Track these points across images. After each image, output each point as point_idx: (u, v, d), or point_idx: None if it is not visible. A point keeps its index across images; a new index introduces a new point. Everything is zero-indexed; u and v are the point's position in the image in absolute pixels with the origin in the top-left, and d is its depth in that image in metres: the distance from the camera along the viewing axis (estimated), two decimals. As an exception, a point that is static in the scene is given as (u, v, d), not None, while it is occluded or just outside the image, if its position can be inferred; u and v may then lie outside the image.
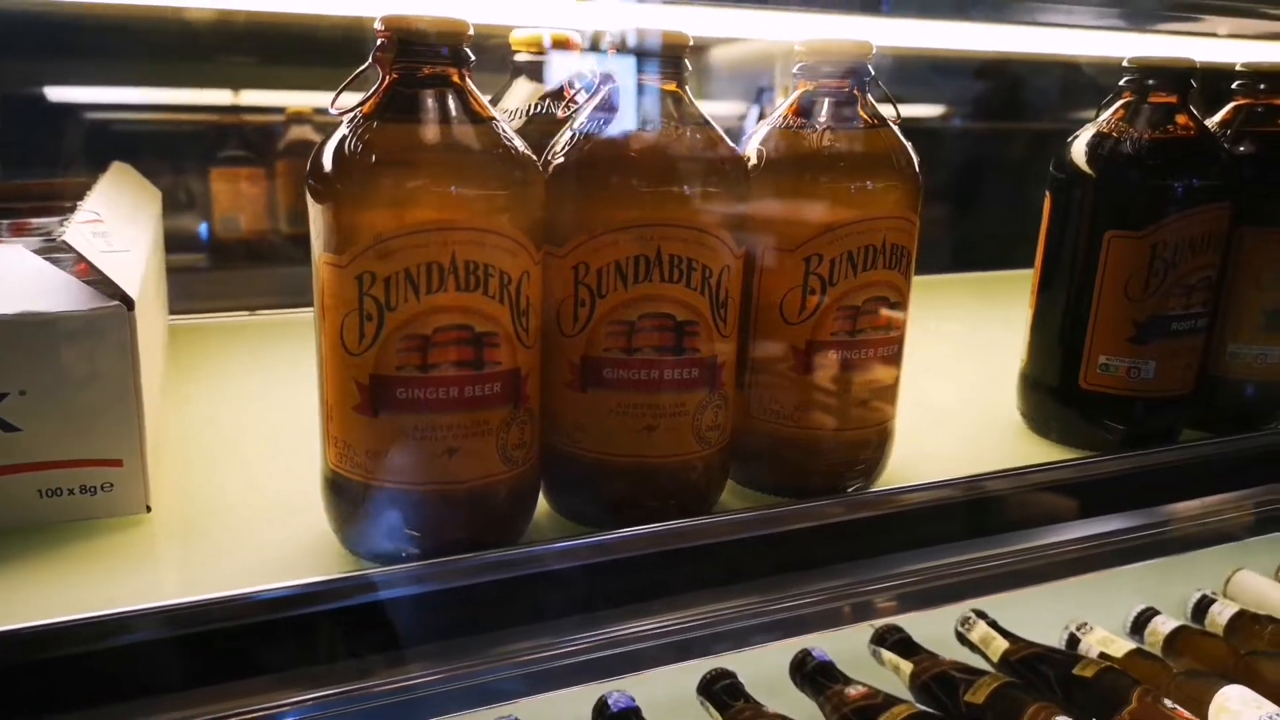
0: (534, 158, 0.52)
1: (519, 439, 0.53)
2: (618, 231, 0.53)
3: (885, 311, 0.60)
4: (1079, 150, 0.72)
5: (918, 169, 0.61)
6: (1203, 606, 1.25)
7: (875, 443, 0.65)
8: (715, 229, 0.54)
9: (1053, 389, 0.75)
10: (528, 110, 0.64)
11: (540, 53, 0.65)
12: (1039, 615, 1.02)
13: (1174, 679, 0.95)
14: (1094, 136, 0.71)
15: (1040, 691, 0.85)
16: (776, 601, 0.61)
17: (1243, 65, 0.77)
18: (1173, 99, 0.70)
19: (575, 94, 0.60)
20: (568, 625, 0.56)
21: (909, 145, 0.61)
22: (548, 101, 0.64)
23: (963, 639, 1.05)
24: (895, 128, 0.62)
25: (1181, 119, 0.70)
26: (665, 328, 0.54)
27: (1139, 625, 1.22)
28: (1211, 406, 0.78)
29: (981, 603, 1.03)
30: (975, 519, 0.68)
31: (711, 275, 0.54)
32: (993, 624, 1.07)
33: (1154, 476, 0.73)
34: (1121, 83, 0.72)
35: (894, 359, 0.63)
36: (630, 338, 0.54)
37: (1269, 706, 0.84)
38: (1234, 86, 0.77)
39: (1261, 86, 0.76)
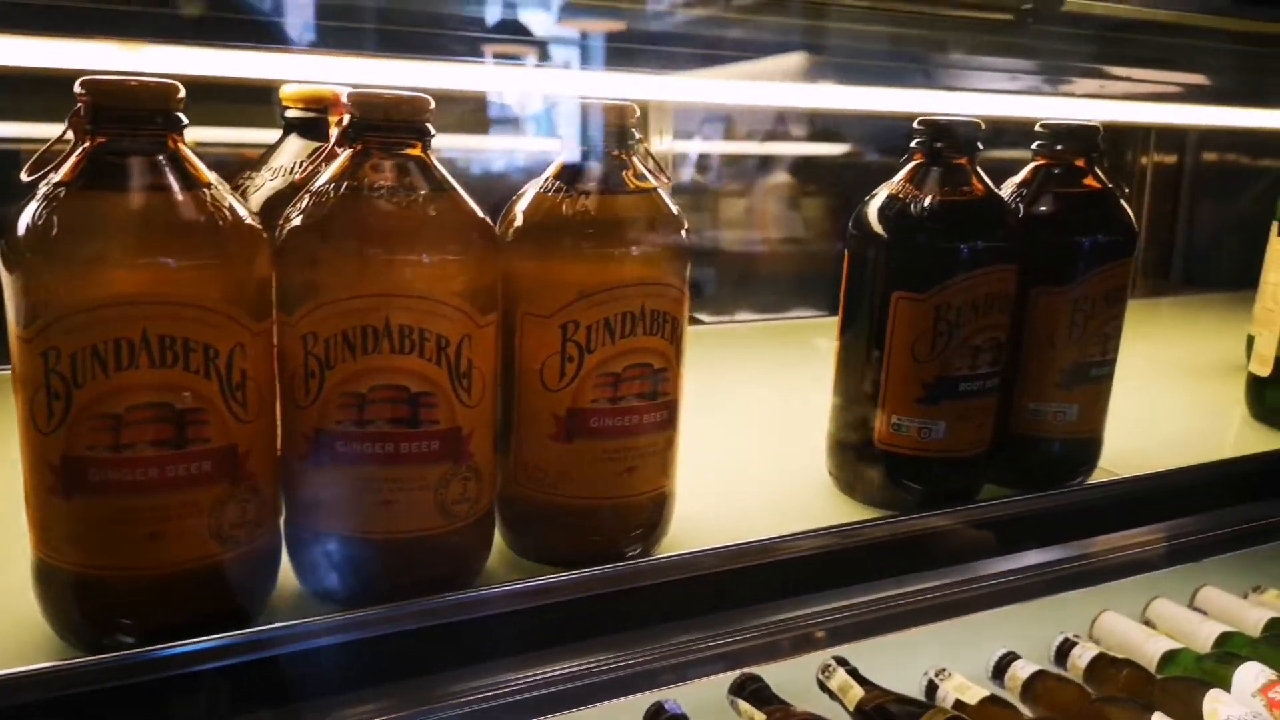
0: (255, 225, 0.51)
1: (238, 517, 0.51)
2: (345, 301, 0.51)
3: (649, 378, 0.59)
4: (871, 211, 0.72)
5: (683, 234, 0.60)
6: (1065, 650, 1.26)
7: (650, 509, 0.63)
8: (451, 297, 0.52)
9: (853, 448, 0.75)
10: (293, 168, 0.62)
11: (309, 109, 0.64)
12: (917, 660, 1.03)
13: (1022, 728, 0.95)
14: (886, 197, 0.72)
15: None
16: (537, 674, 0.59)
17: (1041, 126, 0.78)
18: (961, 160, 0.71)
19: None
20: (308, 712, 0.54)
21: (676, 210, 0.61)
22: (316, 160, 0.62)
23: (823, 687, 1.04)
24: (663, 193, 0.61)
25: (968, 181, 0.71)
26: (398, 399, 0.52)
27: (1000, 670, 1.22)
28: (1017, 464, 0.78)
29: (849, 649, 1.03)
30: (763, 580, 0.67)
31: (449, 345, 0.53)
32: (852, 671, 1.06)
33: (950, 535, 0.73)
34: (912, 144, 0.72)
35: (664, 424, 0.61)
36: (362, 410, 0.52)
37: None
38: (1033, 147, 0.78)
39: (1059, 147, 0.77)
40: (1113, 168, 1.96)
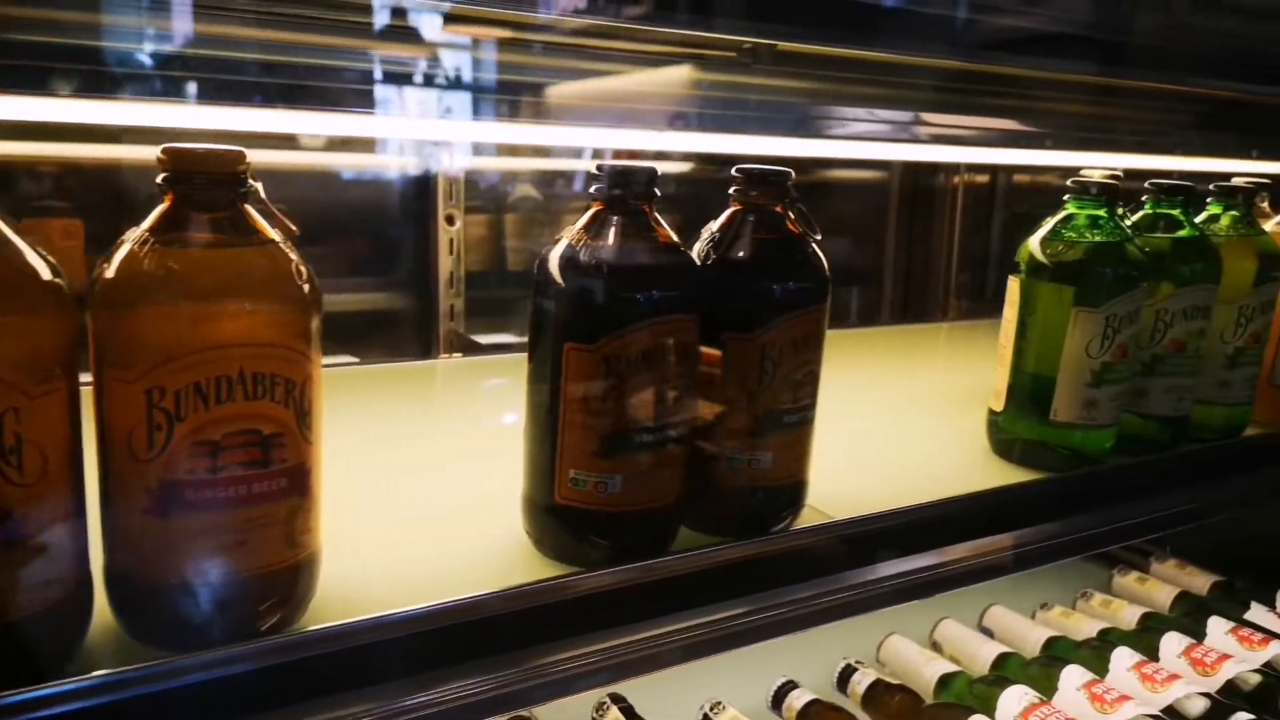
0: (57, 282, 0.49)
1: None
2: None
3: (258, 445, 0.55)
4: (550, 258, 0.69)
5: (300, 289, 0.57)
6: (845, 676, 1.27)
7: (284, 582, 0.59)
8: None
9: (539, 504, 0.72)
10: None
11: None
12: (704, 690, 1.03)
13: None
14: (565, 245, 0.69)
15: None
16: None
17: (736, 170, 0.77)
18: (640, 207, 0.69)
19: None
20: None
21: (293, 263, 0.57)
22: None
23: (598, 728, 1.03)
24: (283, 246, 0.57)
25: (646, 227, 0.69)
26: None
27: (778, 700, 1.22)
28: (715, 512, 0.77)
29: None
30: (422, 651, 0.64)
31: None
32: (626, 709, 1.04)
33: (639, 590, 0.71)
34: (590, 190, 0.70)
35: (285, 492, 0.57)
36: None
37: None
38: (730, 191, 0.77)
39: (753, 192, 0.76)
40: (924, 188, 2.01)
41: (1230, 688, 1.24)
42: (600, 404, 0.67)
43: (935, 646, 1.37)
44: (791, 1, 0.80)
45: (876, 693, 1.23)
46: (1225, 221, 1.11)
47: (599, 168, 0.69)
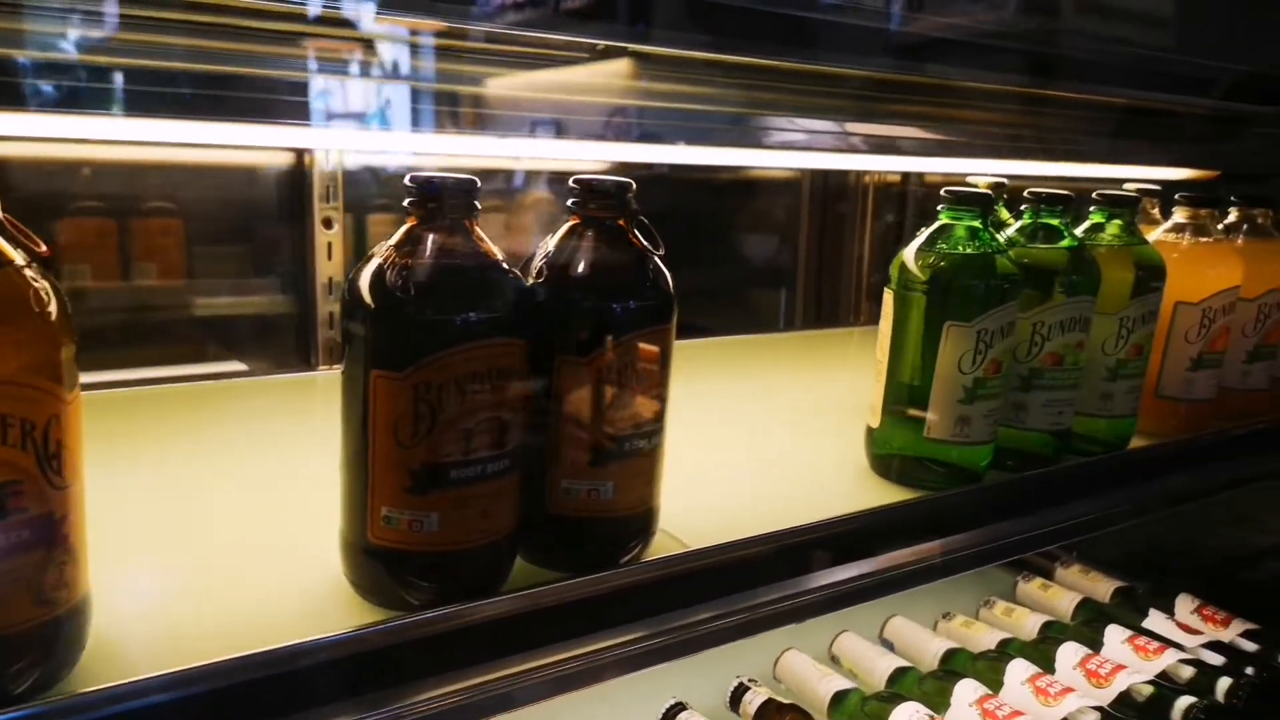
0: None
1: None
2: None
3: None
4: (359, 278, 0.64)
5: (45, 318, 0.50)
6: (738, 695, 1.23)
7: (35, 643, 0.53)
8: None
9: (354, 544, 0.67)
10: None
11: None
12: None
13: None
14: (375, 264, 0.64)
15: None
16: None
17: (573, 181, 0.72)
18: (459, 222, 0.64)
19: None
20: None
21: (39, 289, 0.51)
22: None
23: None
24: (23, 269, 0.51)
25: (465, 244, 0.64)
26: None
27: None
28: (556, 546, 0.72)
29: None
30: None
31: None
32: None
33: (455, 638, 0.65)
34: (404, 203, 0.65)
35: (28, 545, 0.51)
36: None
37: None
38: (567, 204, 0.72)
39: (591, 205, 0.71)
40: (836, 186, 1.98)
41: (1123, 699, 1.23)
42: (411, 436, 0.62)
43: (834, 660, 1.34)
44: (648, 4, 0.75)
45: (767, 713, 1.20)
46: (1110, 231, 1.10)
47: (411, 178, 0.64)
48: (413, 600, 0.66)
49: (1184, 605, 1.52)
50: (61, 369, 0.52)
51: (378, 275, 0.63)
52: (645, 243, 0.72)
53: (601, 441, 0.70)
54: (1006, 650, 1.33)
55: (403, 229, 0.64)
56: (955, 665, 1.31)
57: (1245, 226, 1.28)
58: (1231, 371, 1.24)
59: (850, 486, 0.98)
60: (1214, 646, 1.36)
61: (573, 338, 0.68)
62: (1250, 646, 1.41)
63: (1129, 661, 1.31)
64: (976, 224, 0.94)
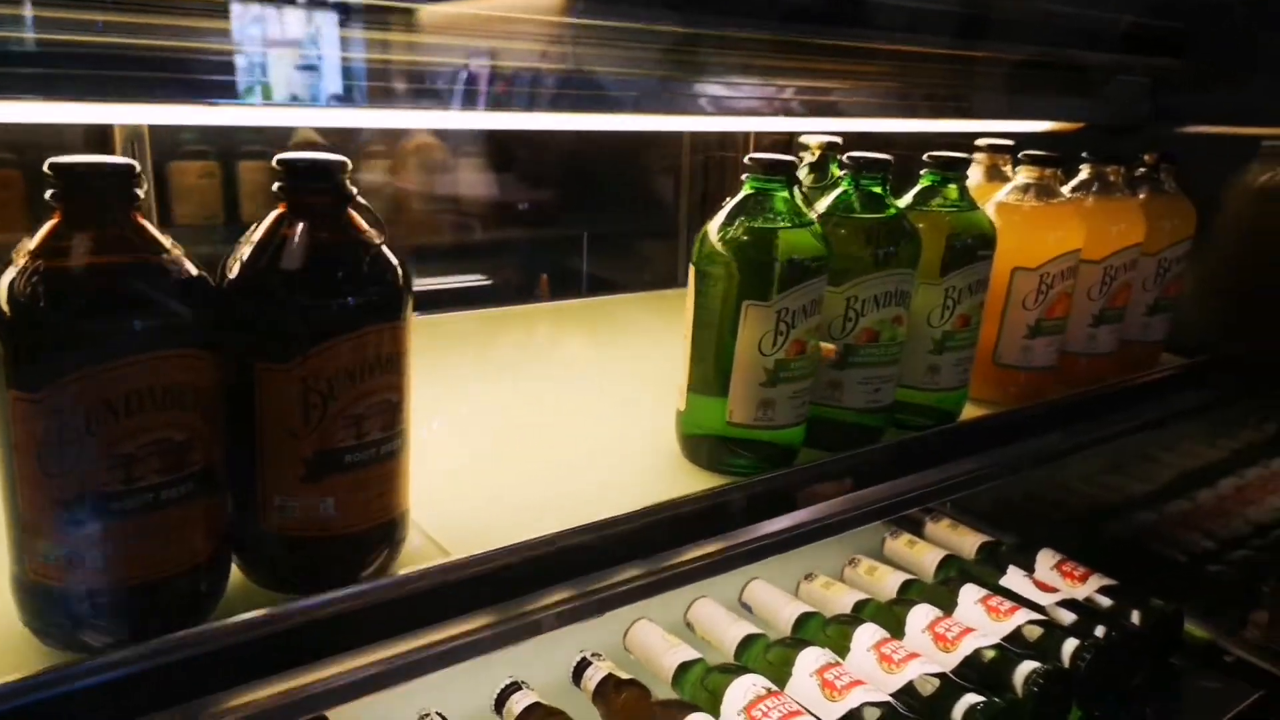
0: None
1: None
2: None
3: None
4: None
5: None
6: (580, 670, 1.19)
7: None
8: None
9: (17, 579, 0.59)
10: None
11: None
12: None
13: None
14: (12, 271, 0.55)
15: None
16: None
17: (277, 161, 0.63)
18: (125, 213, 0.55)
19: None
20: None
21: None
22: None
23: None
24: None
25: (119, 240, 0.55)
26: None
27: (500, 703, 1.13)
28: (278, 568, 0.66)
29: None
30: None
31: None
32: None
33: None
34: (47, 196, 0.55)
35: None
36: None
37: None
38: (274, 188, 0.64)
39: (296, 189, 0.63)
40: (717, 142, 1.90)
41: (968, 663, 1.22)
42: (55, 463, 0.54)
43: (690, 628, 1.31)
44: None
45: (606, 688, 1.16)
46: (944, 195, 1.04)
47: (51, 165, 0.55)
48: (94, 640, 0.59)
49: (1044, 561, 1.51)
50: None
51: (11, 284, 0.54)
52: (365, 229, 0.64)
53: (313, 458, 0.63)
54: (859, 614, 1.31)
55: (47, 226, 0.56)
56: (806, 632, 1.28)
57: (1096, 185, 1.24)
58: (1077, 337, 1.21)
59: (659, 475, 0.93)
60: (1069, 605, 1.36)
61: (270, 343, 0.61)
62: (1106, 603, 1.40)
63: (980, 623, 1.29)
64: (783, 193, 0.87)
